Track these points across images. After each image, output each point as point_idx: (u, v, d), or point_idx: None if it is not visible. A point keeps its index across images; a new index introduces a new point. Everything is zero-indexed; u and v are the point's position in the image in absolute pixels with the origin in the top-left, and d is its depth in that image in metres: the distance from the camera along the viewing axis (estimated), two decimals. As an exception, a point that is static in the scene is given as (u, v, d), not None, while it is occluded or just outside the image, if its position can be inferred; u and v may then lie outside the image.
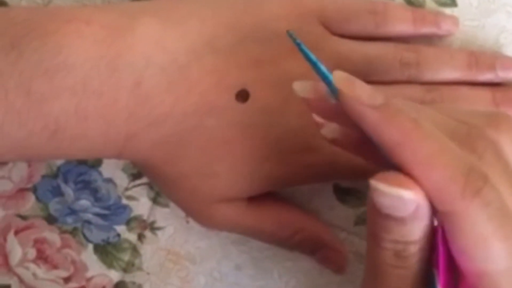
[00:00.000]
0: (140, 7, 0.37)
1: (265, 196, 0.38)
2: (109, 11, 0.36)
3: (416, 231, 0.28)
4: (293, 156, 0.37)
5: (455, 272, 0.29)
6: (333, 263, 0.40)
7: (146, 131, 0.35)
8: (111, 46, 0.34)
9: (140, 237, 0.41)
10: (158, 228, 0.41)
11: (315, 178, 0.39)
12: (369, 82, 0.37)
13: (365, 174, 0.38)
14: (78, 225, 0.41)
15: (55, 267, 0.41)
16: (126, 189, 0.41)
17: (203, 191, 0.37)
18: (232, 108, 0.35)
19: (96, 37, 0.34)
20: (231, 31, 0.36)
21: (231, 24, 0.36)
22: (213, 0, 0.38)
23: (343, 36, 0.38)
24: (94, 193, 0.41)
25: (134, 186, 0.41)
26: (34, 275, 0.41)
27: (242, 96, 0.36)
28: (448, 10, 0.41)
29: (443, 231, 0.28)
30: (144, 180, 0.41)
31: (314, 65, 0.30)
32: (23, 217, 0.41)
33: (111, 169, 0.41)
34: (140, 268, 0.41)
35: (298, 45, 0.30)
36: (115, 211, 0.41)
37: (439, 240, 0.28)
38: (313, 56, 0.30)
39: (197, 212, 0.38)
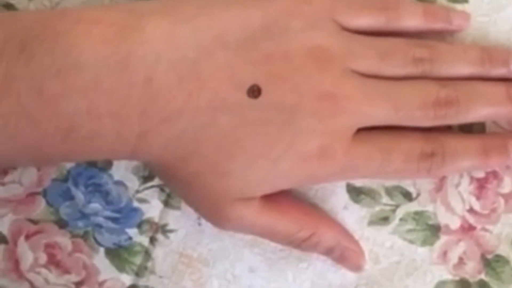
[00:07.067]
0: (148, 6, 0.37)
1: (280, 196, 0.38)
2: (117, 10, 0.36)
3: None
4: (307, 156, 0.36)
5: None
6: (351, 262, 0.40)
7: (159, 128, 0.35)
8: (121, 44, 0.34)
9: (152, 240, 0.41)
10: (170, 231, 0.41)
11: (329, 177, 0.38)
12: (383, 77, 0.37)
13: (379, 175, 0.39)
14: (89, 229, 0.41)
15: (66, 271, 0.41)
16: (137, 191, 0.41)
17: (217, 190, 0.36)
18: (245, 105, 0.35)
19: (105, 36, 0.34)
20: (241, 26, 0.36)
21: (240, 19, 0.36)
22: None
23: (354, 31, 0.38)
24: (105, 196, 0.41)
25: (145, 189, 0.41)
26: (46, 280, 0.41)
27: (254, 92, 0.35)
28: (459, 6, 0.40)
29: None
30: (155, 182, 0.41)
31: None
32: (34, 222, 0.41)
33: (121, 171, 0.41)
34: (152, 272, 0.41)
35: None
36: (126, 214, 0.41)
37: None
38: None
39: (211, 212, 0.38)
